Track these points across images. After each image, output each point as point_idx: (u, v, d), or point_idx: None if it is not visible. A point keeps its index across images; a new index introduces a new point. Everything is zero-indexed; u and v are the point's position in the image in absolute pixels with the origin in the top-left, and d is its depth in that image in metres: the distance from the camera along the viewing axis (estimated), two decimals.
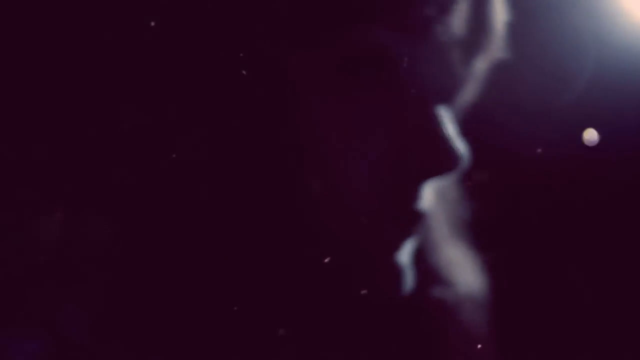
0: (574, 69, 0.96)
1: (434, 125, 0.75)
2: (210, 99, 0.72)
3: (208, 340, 0.75)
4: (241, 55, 0.72)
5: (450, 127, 0.77)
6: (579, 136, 1.00)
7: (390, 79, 0.74)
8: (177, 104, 0.73)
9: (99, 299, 0.73)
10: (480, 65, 0.79)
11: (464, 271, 0.93)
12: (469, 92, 0.81)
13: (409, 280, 0.79)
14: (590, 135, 0.93)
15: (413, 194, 0.76)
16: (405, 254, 0.79)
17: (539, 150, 0.98)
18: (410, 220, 0.77)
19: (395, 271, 0.78)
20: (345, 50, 0.73)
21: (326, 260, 0.76)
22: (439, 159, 0.75)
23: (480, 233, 0.94)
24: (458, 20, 0.74)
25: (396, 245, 0.77)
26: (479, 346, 0.91)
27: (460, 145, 0.76)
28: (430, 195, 0.81)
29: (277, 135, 0.73)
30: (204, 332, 0.75)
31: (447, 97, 0.77)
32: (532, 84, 0.97)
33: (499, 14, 0.79)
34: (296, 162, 0.74)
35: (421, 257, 0.88)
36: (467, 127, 0.85)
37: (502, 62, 0.82)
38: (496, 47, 0.79)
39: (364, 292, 0.79)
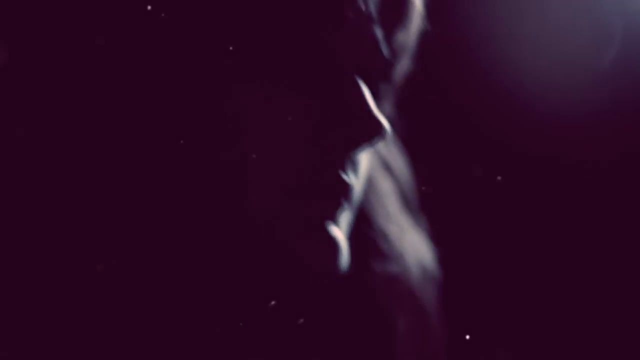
0: (604, 38, 0.96)
1: (357, 98, 0.76)
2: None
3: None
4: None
5: (373, 98, 0.77)
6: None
7: (313, 56, 0.75)
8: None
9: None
10: (405, 39, 0.79)
11: (412, 243, 0.93)
12: (399, 66, 0.82)
13: (346, 253, 0.79)
14: None
15: (339, 165, 0.77)
16: (339, 227, 0.79)
17: (499, 177, 0.99)
18: (340, 192, 0.78)
19: (329, 244, 0.78)
20: (272, 32, 0.74)
21: (272, 303, 0.78)
22: (362, 129, 0.76)
23: (428, 205, 0.95)
24: None
25: (327, 218, 0.78)
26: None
27: (382, 116, 0.77)
28: (367, 166, 0.82)
29: (198, 108, 0.74)
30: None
31: (372, 71, 0.78)
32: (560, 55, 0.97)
33: None
34: (220, 137, 0.74)
35: (365, 230, 0.89)
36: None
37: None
38: (418, 20, 0.80)
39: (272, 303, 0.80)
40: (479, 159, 0.97)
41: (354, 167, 0.78)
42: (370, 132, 0.76)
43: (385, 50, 0.78)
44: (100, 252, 0.74)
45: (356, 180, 0.79)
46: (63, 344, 0.73)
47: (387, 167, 0.94)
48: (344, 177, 0.77)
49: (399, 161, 0.95)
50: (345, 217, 0.80)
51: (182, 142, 0.73)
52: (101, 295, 0.74)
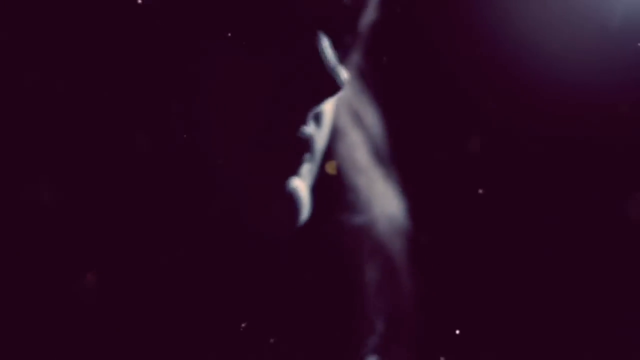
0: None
1: (315, 50, 0.75)
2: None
3: None
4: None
5: (336, 50, 0.77)
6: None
7: (272, 9, 0.74)
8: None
9: None
10: None
11: (382, 195, 0.93)
12: (364, 16, 0.81)
13: (307, 204, 0.79)
14: None
15: (299, 118, 0.76)
16: (301, 179, 0.79)
17: (480, 191, 0.98)
18: (301, 144, 0.77)
19: (290, 198, 0.78)
20: None
21: (243, 325, 0.78)
22: (320, 82, 0.75)
23: (399, 158, 0.94)
24: None
25: (288, 171, 0.78)
26: None
27: (341, 70, 0.76)
28: (332, 118, 0.82)
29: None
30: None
31: (334, 22, 0.77)
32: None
33: None
34: (179, 94, 0.74)
35: (333, 181, 0.89)
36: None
37: None
38: None
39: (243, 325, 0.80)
40: (452, 111, 0.96)
41: (317, 119, 0.78)
42: (329, 84, 0.75)
43: (347, 0, 0.77)
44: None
45: (318, 133, 0.79)
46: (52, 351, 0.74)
47: (357, 119, 0.93)
48: (305, 129, 0.77)
49: (370, 112, 0.94)
50: (308, 169, 0.79)
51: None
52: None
